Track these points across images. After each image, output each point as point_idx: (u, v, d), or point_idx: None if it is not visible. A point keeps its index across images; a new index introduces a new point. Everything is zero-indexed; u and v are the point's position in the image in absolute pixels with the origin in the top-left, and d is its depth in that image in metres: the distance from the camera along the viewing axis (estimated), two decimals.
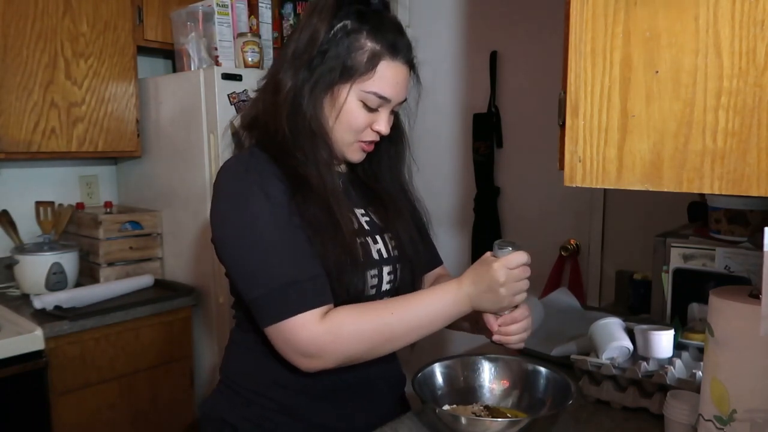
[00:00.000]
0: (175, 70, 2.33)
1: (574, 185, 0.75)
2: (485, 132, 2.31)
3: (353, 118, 0.99)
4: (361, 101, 0.99)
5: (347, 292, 0.96)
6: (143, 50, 2.31)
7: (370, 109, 1.00)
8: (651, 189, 0.70)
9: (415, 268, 1.12)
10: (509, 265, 0.92)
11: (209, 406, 1.11)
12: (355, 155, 1.05)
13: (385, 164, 1.13)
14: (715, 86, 0.64)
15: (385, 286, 1.06)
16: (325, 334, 0.89)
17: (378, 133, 1.02)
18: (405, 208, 1.13)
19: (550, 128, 2.00)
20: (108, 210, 2.31)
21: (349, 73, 0.97)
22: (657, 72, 0.67)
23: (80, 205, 2.32)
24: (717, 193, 0.65)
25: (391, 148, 1.12)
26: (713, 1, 0.63)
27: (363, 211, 1.09)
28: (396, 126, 1.11)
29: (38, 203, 2.20)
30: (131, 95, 2.21)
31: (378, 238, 1.07)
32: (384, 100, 0.99)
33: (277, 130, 0.99)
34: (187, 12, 2.16)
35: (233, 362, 1.10)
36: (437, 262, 1.25)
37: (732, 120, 0.63)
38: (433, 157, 2.45)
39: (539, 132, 2.17)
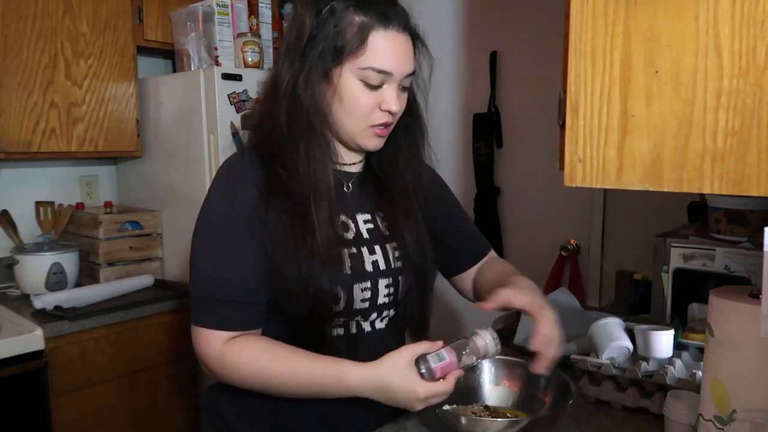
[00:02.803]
0: (175, 70, 2.33)
1: (574, 185, 0.75)
2: (485, 132, 2.31)
3: (355, 101, 0.93)
4: (361, 81, 0.92)
5: (319, 299, 0.93)
6: (143, 50, 2.31)
7: (373, 87, 0.93)
8: (651, 189, 0.70)
9: (421, 275, 1.05)
10: (432, 395, 0.86)
11: (206, 396, 1.12)
12: (371, 142, 0.98)
13: (403, 156, 1.06)
14: (715, 86, 0.64)
15: (383, 299, 1.02)
16: (217, 358, 0.93)
17: (389, 112, 0.95)
18: (417, 208, 1.06)
19: (550, 128, 2.00)
20: (108, 210, 2.30)
21: (340, 53, 0.92)
22: (657, 72, 0.67)
23: (80, 205, 2.32)
24: (717, 193, 0.65)
25: (407, 137, 1.06)
26: (713, 1, 0.63)
27: (369, 217, 1.04)
28: (411, 112, 1.04)
29: (38, 203, 2.20)
30: (131, 95, 2.21)
31: (377, 248, 1.02)
32: (385, 74, 0.92)
33: (274, 128, 0.96)
34: (187, 12, 2.16)
35: None
36: (482, 251, 1.20)
37: (732, 120, 0.63)
38: (433, 157, 2.44)
39: (539, 132, 2.17)
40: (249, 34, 2.16)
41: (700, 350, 1.16)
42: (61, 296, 1.92)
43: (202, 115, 2.05)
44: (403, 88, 0.98)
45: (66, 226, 2.22)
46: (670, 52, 0.66)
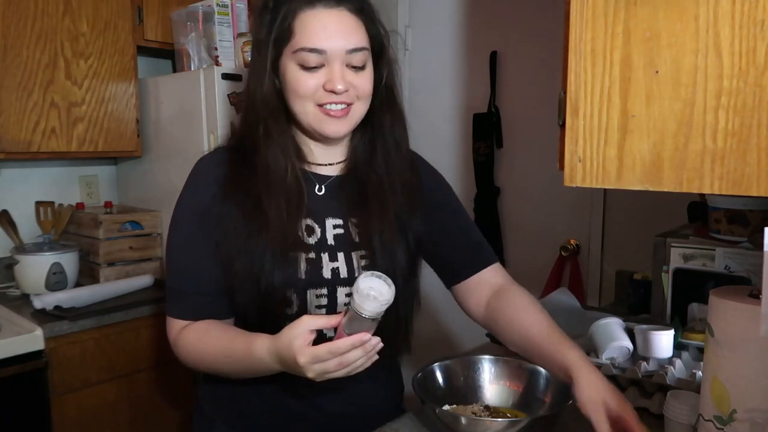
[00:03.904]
0: (175, 70, 2.33)
1: (574, 185, 0.75)
2: (485, 132, 2.31)
3: (295, 83, 0.94)
4: (299, 65, 0.93)
5: (269, 298, 0.94)
6: (143, 50, 2.31)
7: (313, 68, 0.93)
8: (651, 189, 0.70)
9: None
10: (314, 360, 0.81)
11: (199, 393, 1.15)
12: (327, 126, 0.96)
13: (380, 155, 1.03)
14: (715, 86, 0.64)
15: (343, 308, 0.96)
16: (173, 343, 1.01)
17: (333, 92, 0.93)
18: (391, 213, 1.01)
19: (550, 128, 2.00)
20: (108, 210, 2.30)
21: (277, 44, 0.94)
22: (657, 72, 0.67)
23: (80, 205, 2.32)
24: (717, 193, 0.65)
25: (386, 135, 1.03)
26: (713, 1, 0.63)
27: (340, 222, 1.02)
28: (389, 107, 1.03)
29: (38, 203, 2.20)
30: (131, 95, 2.21)
31: (340, 255, 0.99)
32: (317, 52, 0.92)
33: (240, 126, 1.02)
34: (187, 12, 2.16)
35: None
36: (486, 259, 1.12)
37: (732, 120, 0.63)
38: (433, 157, 2.44)
39: (539, 132, 2.17)
40: (249, 34, 2.16)
41: (700, 350, 1.16)
42: (61, 296, 1.91)
43: (202, 115, 2.05)
44: (355, 67, 0.95)
45: (66, 226, 2.22)
46: (670, 52, 0.67)
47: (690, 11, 0.65)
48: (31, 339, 1.70)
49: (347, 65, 0.94)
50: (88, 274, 2.21)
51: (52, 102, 2.01)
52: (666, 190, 0.68)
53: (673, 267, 1.35)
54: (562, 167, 0.77)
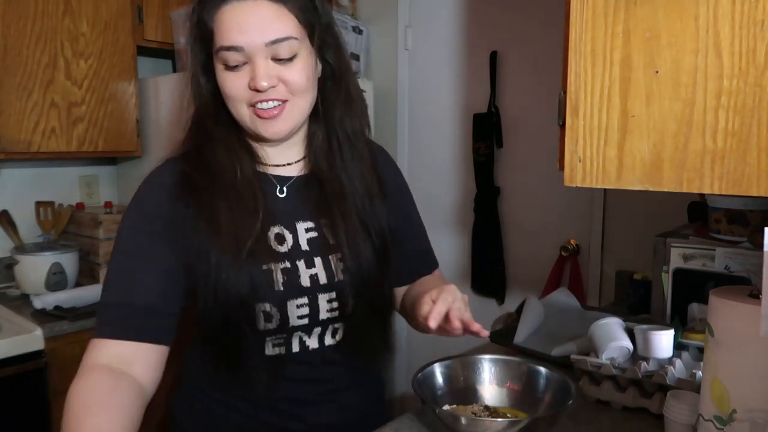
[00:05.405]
0: (175, 70, 2.33)
1: (574, 185, 0.75)
2: (485, 132, 2.31)
3: (222, 84, 0.89)
4: (222, 64, 0.88)
5: (225, 307, 0.88)
6: (143, 50, 2.31)
7: (234, 67, 0.87)
8: (651, 189, 0.70)
9: (360, 287, 0.95)
10: None
11: (173, 406, 1.13)
12: (264, 128, 0.90)
13: (335, 150, 0.97)
14: (715, 86, 0.64)
15: (326, 315, 0.94)
16: (74, 381, 0.83)
17: (256, 90, 0.87)
18: (353, 209, 0.96)
19: (550, 128, 2.00)
20: (108, 210, 2.30)
21: (205, 48, 0.91)
22: (657, 72, 0.67)
23: (80, 205, 2.32)
24: (717, 193, 0.65)
25: (341, 128, 0.97)
26: (713, 1, 0.63)
27: (311, 225, 0.96)
28: (346, 100, 0.97)
29: (38, 203, 2.20)
30: (131, 95, 2.21)
31: (317, 260, 0.94)
32: (234, 50, 0.85)
33: (186, 133, 0.98)
34: (187, 12, 2.16)
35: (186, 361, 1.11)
36: (430, 267, 1.11)
37: (732, 120, 0.63)
38: (433, 157, 2.45)
39: (539, 132, 2.17)
40: None
41: (700, 350, 1.16)
42: (61, 296, 1.92)
43: None
44: (282, 59, 0.87)
45: (66, 226, 2.22)
46: (670, 52, 0.67)
47: (690, 11, 0.65)
48: (31, 339, 1.70)
49: (273, 59, 0.86)
50: (88, 274, 2.21)
51: (52, 102, 2.01)
52: (666, 190, 0.68)
53: (673, 267, 1.34)
54: (562, 167, 0.76)
